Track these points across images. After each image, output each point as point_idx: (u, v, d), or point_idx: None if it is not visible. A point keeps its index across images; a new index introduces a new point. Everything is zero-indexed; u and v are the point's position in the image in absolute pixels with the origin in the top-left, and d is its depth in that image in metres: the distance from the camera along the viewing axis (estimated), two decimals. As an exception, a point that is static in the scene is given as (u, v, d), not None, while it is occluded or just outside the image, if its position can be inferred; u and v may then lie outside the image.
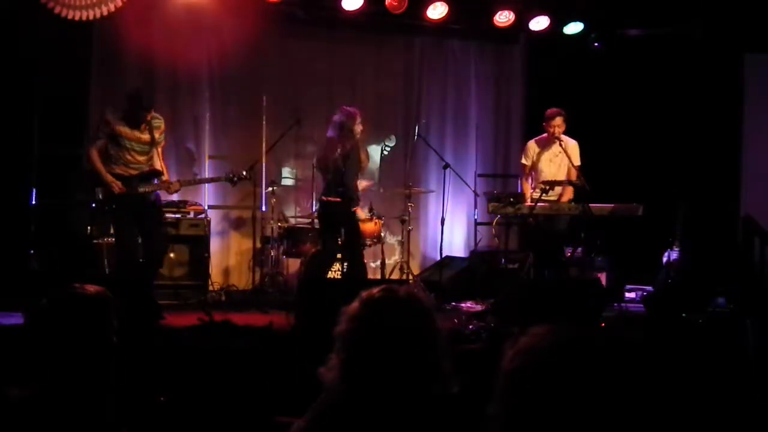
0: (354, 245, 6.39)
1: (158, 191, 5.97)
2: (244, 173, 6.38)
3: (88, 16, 6.33)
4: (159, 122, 5.93)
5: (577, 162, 6.64)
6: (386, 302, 1.78)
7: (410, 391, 1.71)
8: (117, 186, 5.70)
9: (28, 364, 2.03)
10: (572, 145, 6.68)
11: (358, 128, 6.27)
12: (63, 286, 2.10)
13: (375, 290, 1.81)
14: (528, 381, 1.38)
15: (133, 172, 5.81)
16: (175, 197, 7.22)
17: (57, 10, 6.22)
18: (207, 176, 7.56)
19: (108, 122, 5.76)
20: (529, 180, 6.84)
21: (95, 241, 6.58)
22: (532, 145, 6.85)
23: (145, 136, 5.82)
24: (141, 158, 5.85)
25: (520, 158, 7.00)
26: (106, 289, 2.16)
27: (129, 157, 5.80)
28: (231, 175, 6.32)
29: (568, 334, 1.43)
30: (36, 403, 1.95)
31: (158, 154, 5.97)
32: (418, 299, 1.81)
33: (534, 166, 6.80)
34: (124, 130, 5.74)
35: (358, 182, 6.45)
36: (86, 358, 2.01)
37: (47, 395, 1.96)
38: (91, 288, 2.11)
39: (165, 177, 5.93)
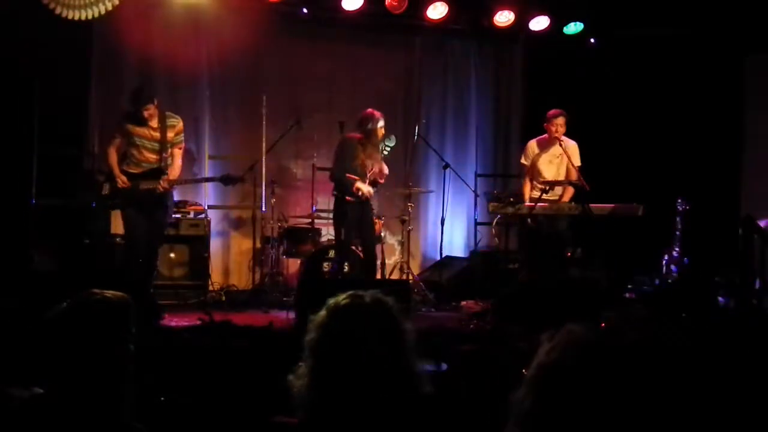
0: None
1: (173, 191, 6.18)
2: (240, 176, 6.52)
3: (87, 16, 6.32)
4: (174, 121, 6.08)
5: (577, 163, 6.65)
6: (352, 309, 1.82)
7: (381, 394, 1.74)
8: (121, 180, 5.89)
9: (39, 365, 2.02)
10: (572, 146, 6.69)
11: (372, 127, 6.33)
12: (83, 290, 2.08)
13: (341, 297, 1.85)
14: (564, 375, 1.41)
15: (141, 170, 5.95)
16: (175, 197, 7.25)
17: (58, 10, 6.21)
18: (207, 176, 7.59)
19: (122, 122, 5.99)
20: (529, 180, 6.83)
21: (96, 241, 6.58)
22: (532, 145, 6.84)
23: (156, 134, 5.92)
24: (152, 156, 5.97)
25: (520, 158, 7.00)
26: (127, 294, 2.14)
27: (140, 156, 5.96)
28: (225, 175, 6.40)
29: (608, 335, 1.46)
30: (41, 405, 1.94)
31: (177, 155, 6.10)
32: (384, 304, 1.85)
33: (533, 167, 6.79)
34: (134, 128, 5.93)
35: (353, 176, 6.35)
36: (102, 365, 1.99)
37: (55, 398, 1.95)
38: (113, 294, 2.09)
39: (168, 176, 5.99)
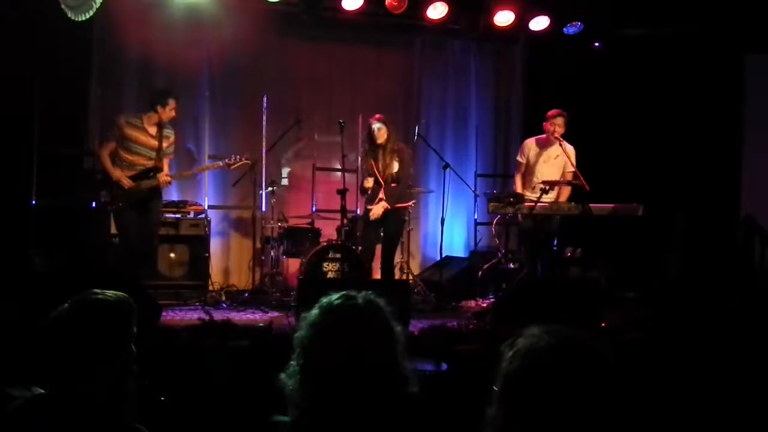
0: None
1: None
2: (243, 158, 6.60)
3: (86, 17, 6.30)
4: (169, 132, 6.24)
5: (572, 168, 6.64)
6: (344, 309, 1.83)
7: (370, 394, 1.75)
8: (126, 181, 5.97)
9: (40, 365, 2.02)
10: (569, 150, 6.67)
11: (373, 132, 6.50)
12: (83, 290, 2.07)
13: (334, 297, 1.86)
14: (525, 383, 1.39)
15: (136, 172, 6.07)
16: (175, 197, 7.28)
17: (69, 13, 6.19)
18: (206, 175, 7.59)
19: (119, 126, 6.06)
20: (521, 178, 6.82)
21: (95, 241, 6.59)
22: (530, 144, 6.83)
23: (154, 142, 6.09)
24: (148, 162, 6.12)
25: (517, 154, 6.99)
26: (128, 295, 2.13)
27: (134, 160, 6.08)
28: (228, 161, 6.56)
29: (564, 335, 1.44)
30: (42, 405, 1.94)
31: (166, 164, 6.26)
32: (376, 306, 1.86)
33: (529, 166, 6.78)
34: (133, 134, 6.04)
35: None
36: (103, 366, 1.99)
37: (56, 399, 1.95)
38: (115, 294, 2.08)
39: (163, 174, 6.17)
